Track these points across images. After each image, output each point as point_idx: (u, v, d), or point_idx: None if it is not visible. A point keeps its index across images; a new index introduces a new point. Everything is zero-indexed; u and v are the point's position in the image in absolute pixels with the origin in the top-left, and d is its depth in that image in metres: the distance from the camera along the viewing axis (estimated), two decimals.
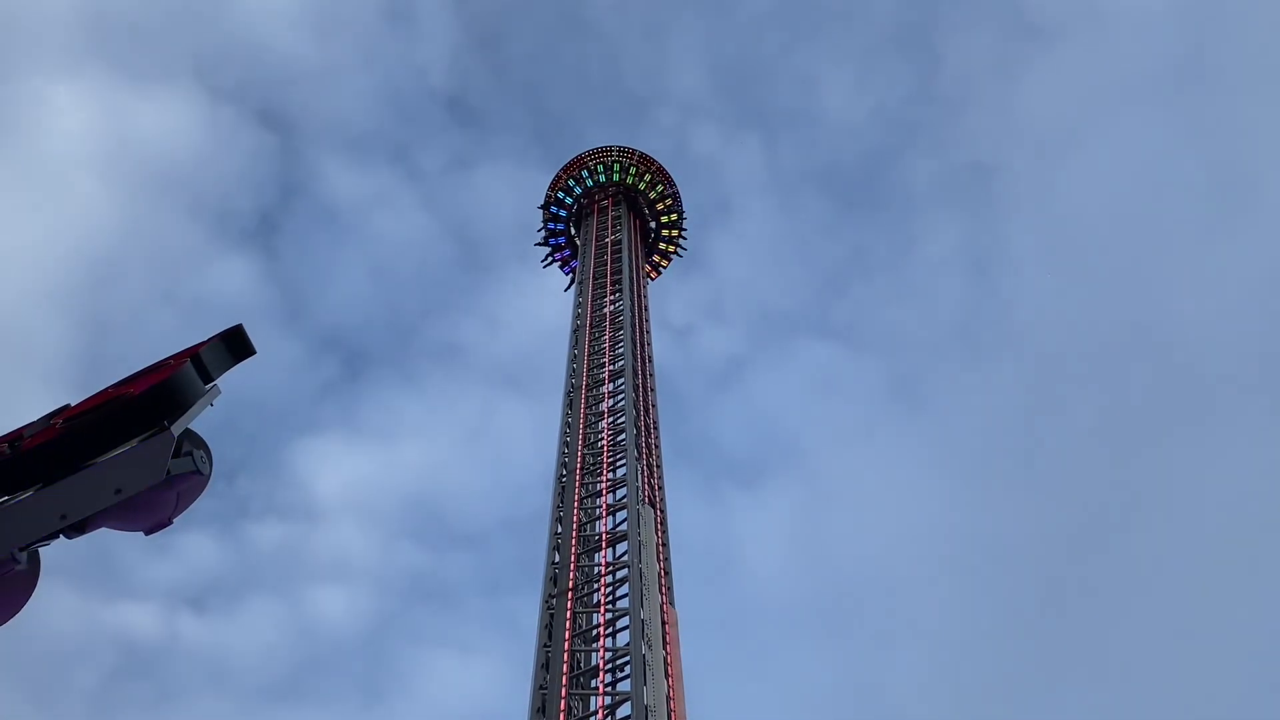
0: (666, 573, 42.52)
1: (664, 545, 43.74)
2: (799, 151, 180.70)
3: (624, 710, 33.48)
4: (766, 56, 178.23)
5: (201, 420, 6.31)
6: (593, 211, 73.09)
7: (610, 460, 45.74)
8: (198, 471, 5.96)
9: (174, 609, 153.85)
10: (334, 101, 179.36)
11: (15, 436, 6.40)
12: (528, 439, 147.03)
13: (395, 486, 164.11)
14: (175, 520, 5.98)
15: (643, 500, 43.12)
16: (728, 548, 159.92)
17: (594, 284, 62.33)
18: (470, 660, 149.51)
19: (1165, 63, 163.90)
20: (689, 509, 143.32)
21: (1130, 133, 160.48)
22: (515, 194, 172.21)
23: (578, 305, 61.25)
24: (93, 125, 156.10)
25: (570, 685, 34.76)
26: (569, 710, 33.92)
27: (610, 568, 39.64)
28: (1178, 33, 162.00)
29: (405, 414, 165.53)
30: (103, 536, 5.81)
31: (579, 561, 40.19)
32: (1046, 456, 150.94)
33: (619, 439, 46.99)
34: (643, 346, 57.15)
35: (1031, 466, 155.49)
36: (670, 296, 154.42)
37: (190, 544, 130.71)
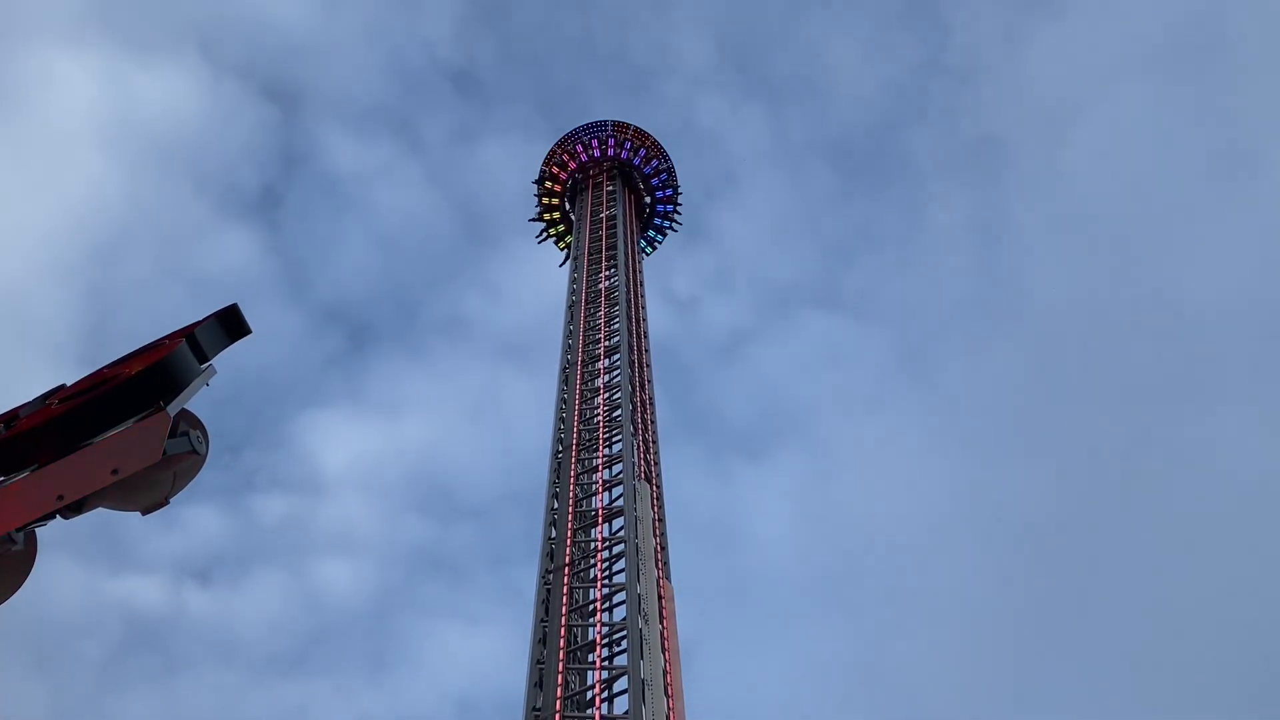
0: (663, 548, 42.67)
1: (660, 520, 43.88)
2: (806, 123, 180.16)
3: (621, 684, 33.69)
4: (774, 28, 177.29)
5: (205, 393, 6.30)
6: (587, 187, 72.84)
7: (606, 436, 45.80)
8: (194, 451, 5.96)
9: (180, 581, 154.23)
10: (338, 74, 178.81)
11: (10, 416, 6.39)
12: (532, 412, 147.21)
13: (400, 459, 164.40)
14: (172, 500, 5.99)
15: (639, 476, 43.22)
16: (733, 520, 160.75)
17: (589, 259, 62.23)
18: (475, 632, 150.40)
19: (1172, 35, 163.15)
20: (694, 482, 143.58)
21: (1137, 105, 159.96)
22: (520, 167, 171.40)
23: (573, 281, 61.18)
24: (97, 99, 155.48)
25: (567, 660, 34.96)
26: (566, 684, 34.13)
27: (606, 543, 39.77)
28: (1185, 5, 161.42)
29: (409, 387, 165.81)
30: (106, 511, 5.82)
31: (575, 537, 40.34)
32: (1052, 428, 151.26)
33: (615, 415, 47.05)
34: (638, 322, 57.14)
35: (1037, 438, 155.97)
36: (675, 269, 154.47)
37: (195, 517, 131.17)
